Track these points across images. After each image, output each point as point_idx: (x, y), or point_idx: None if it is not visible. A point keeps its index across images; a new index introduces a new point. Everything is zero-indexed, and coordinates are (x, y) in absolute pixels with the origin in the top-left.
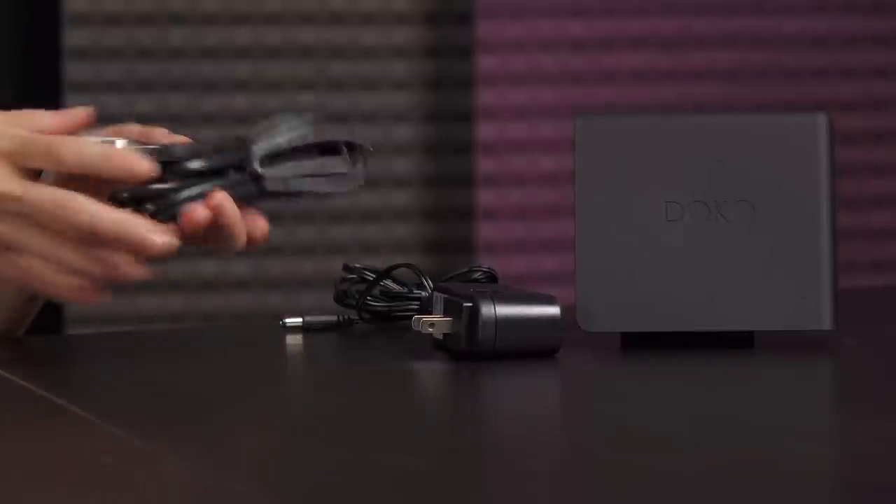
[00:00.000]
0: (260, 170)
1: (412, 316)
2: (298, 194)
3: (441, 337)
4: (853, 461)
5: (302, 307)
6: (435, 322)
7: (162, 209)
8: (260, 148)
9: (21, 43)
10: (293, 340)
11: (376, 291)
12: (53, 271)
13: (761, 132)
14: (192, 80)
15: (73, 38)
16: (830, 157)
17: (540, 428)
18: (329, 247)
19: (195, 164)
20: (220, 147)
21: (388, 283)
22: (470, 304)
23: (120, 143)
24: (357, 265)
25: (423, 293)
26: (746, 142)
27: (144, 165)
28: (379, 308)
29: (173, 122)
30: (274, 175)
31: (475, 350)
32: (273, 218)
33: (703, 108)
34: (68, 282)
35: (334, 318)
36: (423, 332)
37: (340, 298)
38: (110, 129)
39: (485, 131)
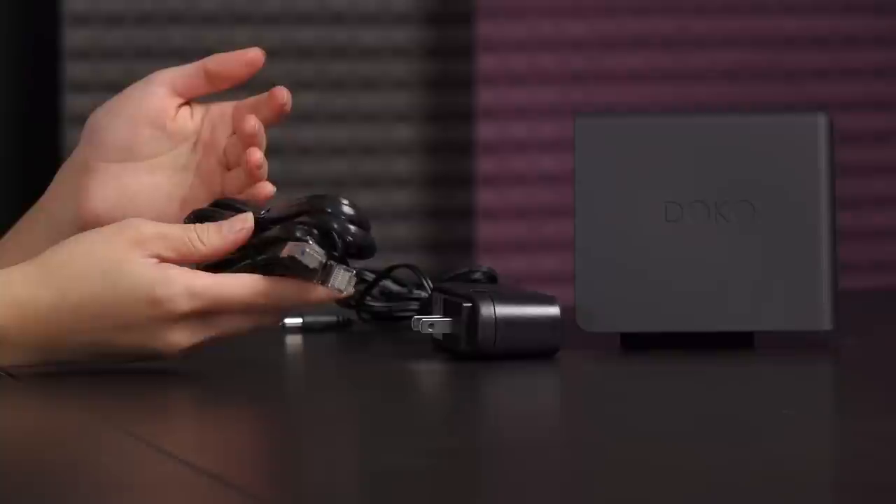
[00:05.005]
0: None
1: (412, 316)
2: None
3: (441, 337)
4: (853, 461)
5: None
6: (435, 322)
7: (288, 233)
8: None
9: (21, 43)
10: (293, 341)
11: (376, 292)
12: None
13: (761, 132)
14: None
15: (73, 38)
16: (830, 157)
17: (540, 428)
18: None
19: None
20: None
21: (388, 283)
22: (470, 305)
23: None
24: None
25: (423, 293)
26: (746, 142)
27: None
28: (379, 308)
29: None
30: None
31: (475, 350)
32: None
33: (703, 108)
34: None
35: (334, 318)
36: (423, 332)
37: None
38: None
39: (485, 131)
